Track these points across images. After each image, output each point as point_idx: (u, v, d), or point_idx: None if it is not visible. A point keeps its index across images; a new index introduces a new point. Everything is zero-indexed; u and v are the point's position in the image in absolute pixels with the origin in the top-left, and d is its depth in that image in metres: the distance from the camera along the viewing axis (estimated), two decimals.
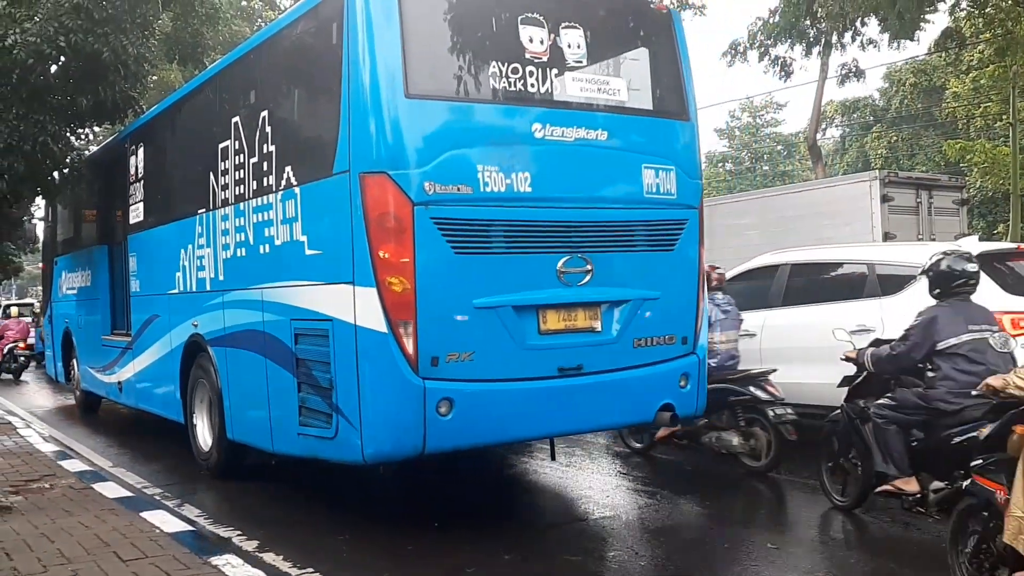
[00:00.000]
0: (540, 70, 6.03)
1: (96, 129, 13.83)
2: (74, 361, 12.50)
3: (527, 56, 5.98)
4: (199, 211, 7.87)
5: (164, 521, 6.10)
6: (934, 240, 11.74)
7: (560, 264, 5.94)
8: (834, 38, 19.97)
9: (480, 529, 6.16)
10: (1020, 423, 3.95)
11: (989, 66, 22.88)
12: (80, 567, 5.03)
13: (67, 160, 10.95)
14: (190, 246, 8.07)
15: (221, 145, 7.43)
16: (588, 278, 6.04)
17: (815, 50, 20.79)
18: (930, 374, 5.54)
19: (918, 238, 11.93)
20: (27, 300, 33.41)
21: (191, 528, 6.03)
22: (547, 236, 5.94)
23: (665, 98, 6.77)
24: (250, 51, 7.39)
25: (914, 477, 5.51)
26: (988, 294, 7.12)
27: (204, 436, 7.95)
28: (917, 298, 7.56)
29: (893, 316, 7.64)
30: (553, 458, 7.75)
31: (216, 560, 5.18)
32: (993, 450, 4.19)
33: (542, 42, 6.05)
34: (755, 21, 21.31)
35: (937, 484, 5.33)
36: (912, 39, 16.84)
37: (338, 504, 7.00)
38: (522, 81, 5.96)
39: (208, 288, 7.73)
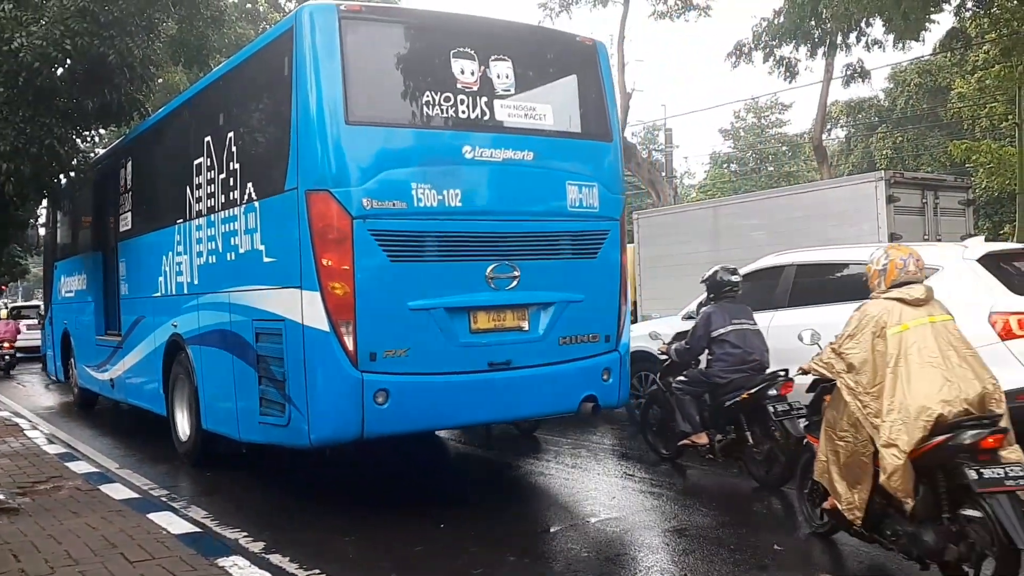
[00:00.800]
0: (471, 98, 6.68)
1: (102, 131, 13.87)
2: (72, 360, 13.17)
3: (459, 86, 6.64)
4: (177, 221, 8.52)
5: (171, 522, 6.12)
6: (940, 240, 11.69)
7: (489, 270, 6.60)
8: (839, 39, 19.94)
9: (486, 530, 6.17)
10: (827, 394, 5.14)
11: (995, 66, 22.81)
12: (87, 568, 5.04)
13: (73, 163, 10.98)
14: (170, 253, 8.74)
15: (196, 161, 8.07)
16: (515, 283, 6.71)
17: (820, 51, 20.76)
18: (708, 357, 7.48)
19: (924, 239, 11.87)
20: (34, 302, 33.56)
21: (198, 530, 6.04)
22: (476, 245, 6.60)
23: (589, 122, 7.40)
24: (219, 78, 8.15)
25: (705, 433, 7.43)
26: (995, 295, 7.11)
27: (183, 427, 8.56)
28: None
29: None
30: (490, 448, 8.66)
31: (223, 561, 5.19)
32: (815, 413, 5.40)
33: (473, 73, 6.71)
34: (760, 22, 21.25)
35: (719, 436, 7.35)
36: (917, 39, 16.82)
37: (345, 506, 7.01)
38: (454, 108, 6.61)
39: (185, 292, 8.39)
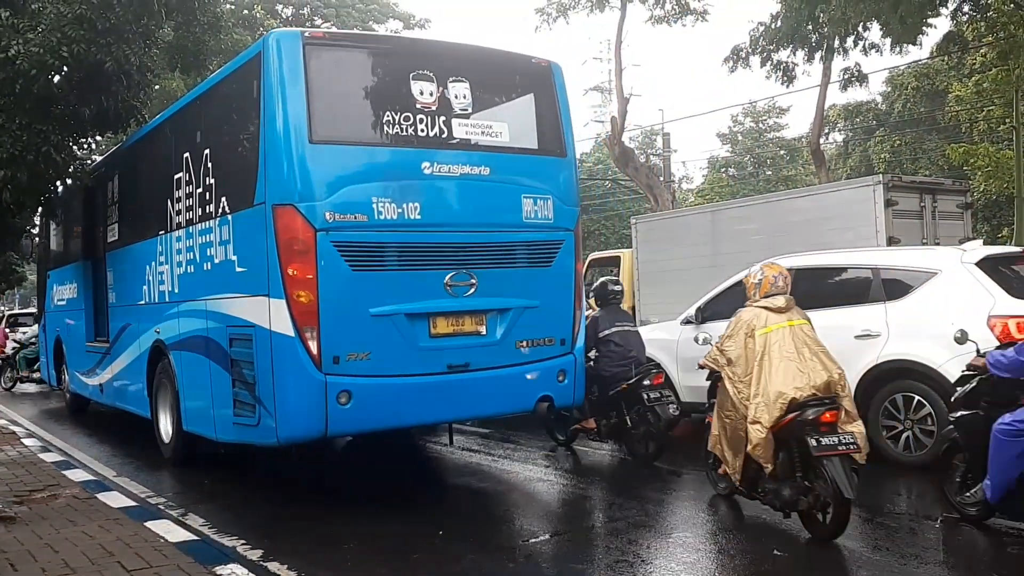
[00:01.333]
0: (429, 118, 7.07)
1: (99, 138, 13.85)
2: (64, 366, 13.59)
3: (418, 106, 7.03)
4: (159, 232, 8.97)
5: (169, 531, 6.10)
6: (939, 244, 11.69)
7: (448, 278, 7.00)
8: (836, 43, 19.93)
9: (485, 537, 6.15)
10: (720, 381, 6.26)
11: (992, 70, 22.82)
12: None
13: (70, 170, 10.96)
14: (153, 263, 9.19)
15: (176, 176, 8.52)
16: (473, 290, 7.11)
17: (817, 55, 20.76)
18: (596, 355, 8.62)
19: (923, 242, 11.85)
20: (31, 310, 33.56)
21: (196, 537, 6.03)
22: (435, 255, 7.00)
23: (544, 138, 7.82)
24: (197, 98, 8.59)
25: (593, 419, 8.72)
26: (993, 298, 7.11)
27: (166, 428, 8.98)
28: (922, 302, 7.57)
29: (899, 320, 7.63)
30: (451, 443, 9.26)
31: (221, 570, 5.19)
32: (712, 397, 6.58)
33: (431, 94, 7.11)
34: (757, 27, 21.24)
35: (604, 421, 8.63)
36: (914, 43, 16.85)
37: (344, 513, 6.99)
38: (413, 127, 7.00)
39: (167, 300, 8.80)
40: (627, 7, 25.45)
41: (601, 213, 42.96)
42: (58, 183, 11.15)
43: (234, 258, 7.31)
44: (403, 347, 6.83)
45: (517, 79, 7.98)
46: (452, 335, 7.10)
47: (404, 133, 6.95)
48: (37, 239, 15.80)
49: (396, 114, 6.94)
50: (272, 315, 6.62)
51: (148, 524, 6.28)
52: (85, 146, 12.34)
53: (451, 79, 7.20)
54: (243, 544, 5.91)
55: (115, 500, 7.15)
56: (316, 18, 31.54)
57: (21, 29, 9.49)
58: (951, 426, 6.02)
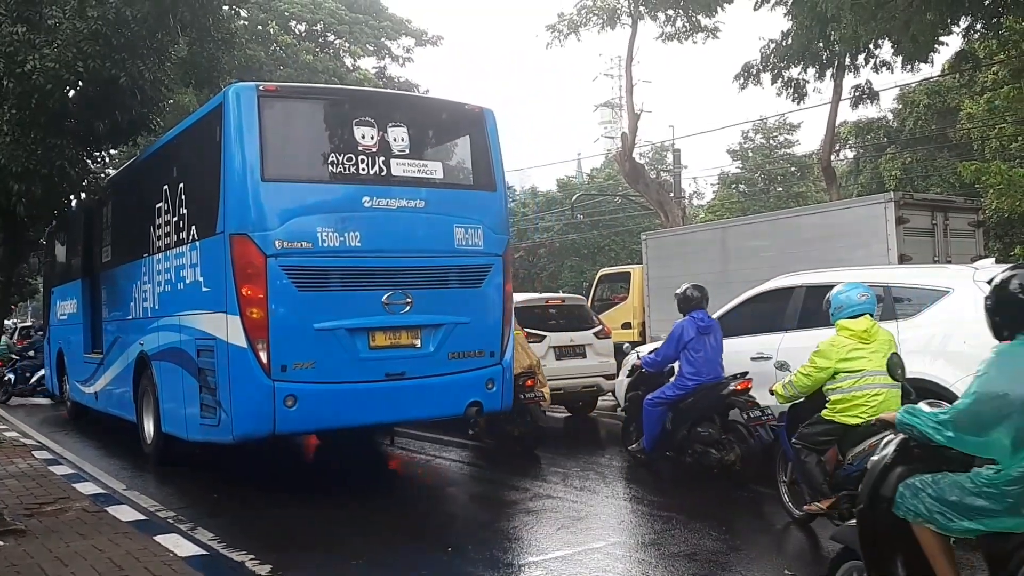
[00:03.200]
0: (370, 158, 7.97)
1: (112, 152, 13.95)
2: (65, 376, 14.66)
3: (360, 148, 7.95)
4: (144, 255, 9.93)
5: (178, 545, 6.11)
6: (950, 262, 11.64)
7: (385, 298, 7.86)
8: (847, 60, 19.94)
9: (495, 555, 6.13)
10: (530, 379, 9.83)
11: (1004, 87, 22.74)
12: None
13: (83, 183, 11.02)
14: (139, 282, 10.15)
15: (157, 205, 9.46)
16: (409, 308, 7.97)
17: (828, 72, 20.76)
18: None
19: (934, 260, 11.81)
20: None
21: (205, 552, 6.03)
22: (373, 277, 7.88)
23: (476, 175, 8.76)
24: (175, 137, 9.55)
25: None
26: None
27: (148, 431, 9.83)
28: (933, 320, 7.53)
29: (910, 339, 7.59)
30: (392, 443, 10.41)
31: None
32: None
33: (372, 138, 8.02)
34: (768, 44, 21.29)
35: None
36: (926, 61, 16.83)
37: (353, 529, 6.99)
38: (355, 166, 7.90)
39: (150, 315, 9.74)
40: (638, 24, 25.57)
41: (611, 229, 42.94)
42: (72, 196, 11.21)
43: (201, 279, 8.21)
44: (344, 357, 7.68)
45: (452, 123, 8.95)
46: (390, 347, 7.95)
47: (347, 172, 7.85)
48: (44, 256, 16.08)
49: (340, 155, 7.84)
50: (229, 329, 7.49)
51: (157, 538, 6.29)
52: (99, 160, 12.39)
53: (390, 124, 8.09)
54: (252, 559, 5.90)
55: (125, 514, 7.17)
56: (329, 34, 31.66)
57: (37, 44, 9.54)
58: (626, 403, 8.77)
